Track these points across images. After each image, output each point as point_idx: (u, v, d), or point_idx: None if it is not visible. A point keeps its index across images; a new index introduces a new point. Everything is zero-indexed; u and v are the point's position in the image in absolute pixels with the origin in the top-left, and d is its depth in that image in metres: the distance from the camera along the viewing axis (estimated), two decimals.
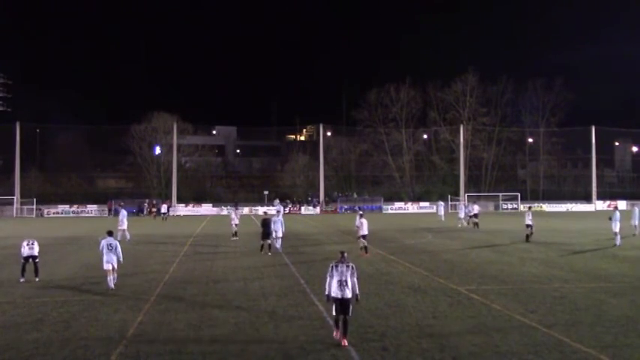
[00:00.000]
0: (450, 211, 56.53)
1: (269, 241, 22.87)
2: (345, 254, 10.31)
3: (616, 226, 24.10)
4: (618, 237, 24.18)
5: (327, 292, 10.10)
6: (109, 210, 58.78)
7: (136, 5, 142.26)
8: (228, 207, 56.90)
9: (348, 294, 9.85)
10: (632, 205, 40.76)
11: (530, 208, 31.13)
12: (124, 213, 29.81)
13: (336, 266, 9.98)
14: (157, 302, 13.48)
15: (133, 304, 13.21)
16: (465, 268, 18.36)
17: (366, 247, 21.92)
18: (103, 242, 15.33)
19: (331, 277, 9.95)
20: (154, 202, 58.38)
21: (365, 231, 22.05)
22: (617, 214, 24.55)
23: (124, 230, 28.51)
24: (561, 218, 48.03)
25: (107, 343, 10.12)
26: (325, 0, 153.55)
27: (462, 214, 37.46)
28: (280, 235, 23.39)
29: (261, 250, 22.88)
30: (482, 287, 15.02)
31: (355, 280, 10.01)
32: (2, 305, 13.34)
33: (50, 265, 19.48)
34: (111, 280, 15.03)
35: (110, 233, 15.83)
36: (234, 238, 28.47)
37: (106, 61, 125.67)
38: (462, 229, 35.14)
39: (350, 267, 10.00)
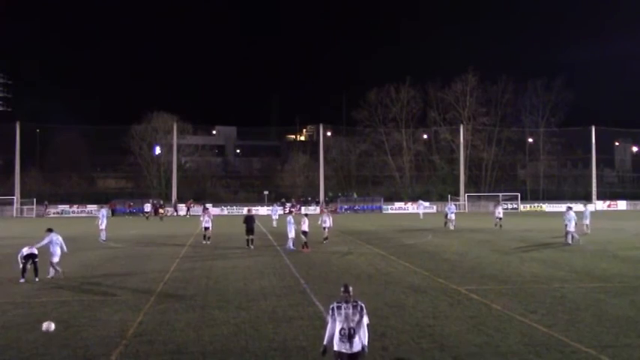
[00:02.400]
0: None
1: (252, 236, 24.93)
2: (350, 290, 7.25)
3: (570, 226, 24.85)
4: (569, 236, 24.83)
5: (325, 342, 7.25)
6: (112, 211, 58.62)
7: (135, 5, 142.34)
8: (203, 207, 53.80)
9: (358, 346, 7.07)
10: (585, 204, 41.01)
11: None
12: (103, 212, 30.03)
13: (339, 308, 7.16)
14: (157, 302, 13.48)
15: (133, 304, 13.21)
16: (465, 268, 18.36)
17: (306, 243, 23.49)
18: (52, 237, 17.14)
19: (333, 321, 7.17)
20: (161, 202, 58.10)
21: (305, 228, 23.61)
22: (571, 213, 25.29)
23: (102, 230, 28.69)
24: (561, 218, 47.84)
25: (107, 343, 10.12)
26: (325, 0, 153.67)
27: (451, 215, 36.72)
28: (292, 236, 23.97)
29: (247, 245, 24.61)
30: (482, 287, 15.01)
31: (365, 324, 7.20)
32: (2, 305, 13.33)
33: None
34: (51, 271, 16.95)
35: (51, 230, 17.55)
36: (205, 242, 26.77)
37: (106, 61, 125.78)
38: (461, 229, 35.05)
39: (358, 307, 7.16)
